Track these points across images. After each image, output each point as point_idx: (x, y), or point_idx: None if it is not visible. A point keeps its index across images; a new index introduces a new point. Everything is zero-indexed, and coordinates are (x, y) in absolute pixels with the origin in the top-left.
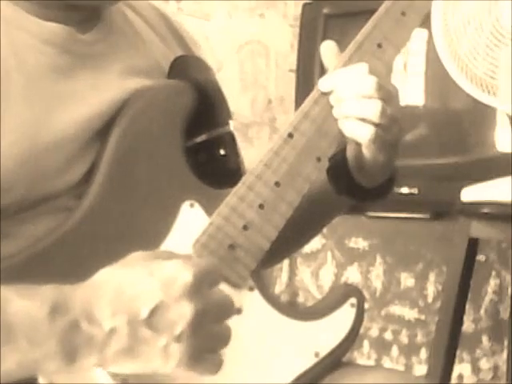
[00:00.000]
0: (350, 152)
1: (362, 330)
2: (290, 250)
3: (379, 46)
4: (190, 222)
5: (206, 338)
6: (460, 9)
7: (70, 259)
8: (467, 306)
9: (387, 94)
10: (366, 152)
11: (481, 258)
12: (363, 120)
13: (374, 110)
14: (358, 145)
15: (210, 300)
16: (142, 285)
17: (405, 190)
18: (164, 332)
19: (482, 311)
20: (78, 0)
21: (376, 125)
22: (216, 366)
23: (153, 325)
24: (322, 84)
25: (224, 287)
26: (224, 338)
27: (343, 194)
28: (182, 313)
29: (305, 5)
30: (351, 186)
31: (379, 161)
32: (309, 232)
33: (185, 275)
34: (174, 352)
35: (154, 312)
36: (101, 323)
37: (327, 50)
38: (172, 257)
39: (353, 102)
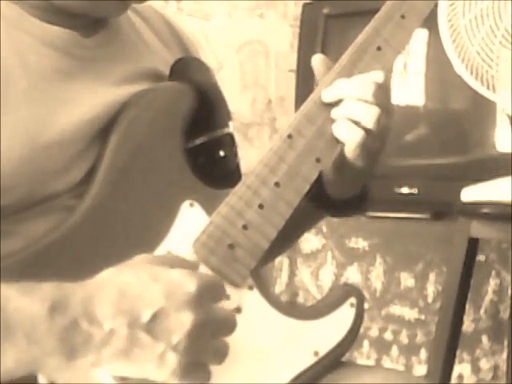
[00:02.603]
0: None
1: (361, 330)
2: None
3: (379, 48)
4: (190, 222)
5: (202, 352)
6: (473, 7)
7: (70, 258)
8: (467, 306)
9: (385, 103)
10: (347, 154)
11: (481, 258)
12: (356, 123)
13: (370, 115)
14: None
15: (210, 314)
16: (145, 289)
17: (405, 190)
18: (162, 339)
19: (482, 311)
20: (84, 10)
21: (367, 130)
22: (204, 379)
23: (152, 330)
24: (326, 95)
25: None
26: (219, 355)
27: (311, 204)
28: (182, 322)
29: (305, 5)
30: (321, 196)
31: (357, 167)
32: (277, 246)
33: (189, 285)
34: (169, 360)
35: (154, 317)
36: (101, 323)
37: (318, 63)
38: (178, 263)
39: (350, 104)
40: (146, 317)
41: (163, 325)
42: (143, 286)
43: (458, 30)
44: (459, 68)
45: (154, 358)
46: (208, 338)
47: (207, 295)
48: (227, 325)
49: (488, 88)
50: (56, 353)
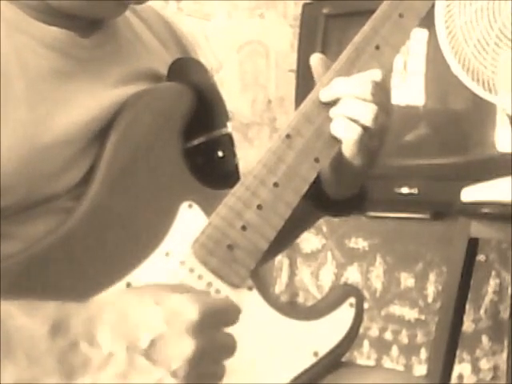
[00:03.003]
0: None
1: (361, 330)
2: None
3: (377, 47)
4: (189, 223)
5: (201, 377)
6: (468, 8)
7: (69, 260)
8: (467, 306)
9: (384, 102)
10: (345, 152)
11: (481, 258)
12: (354, 121)
13: (368, 112)
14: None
15: (212, 341)
16: (146, 313)
17: (405, 190)
18: (161, 365)
19: (482, 311)
20: (82, 11)
21: (365, 128)
22: None
23: (151, 355)
24: (323, 94)
25: (223, 288)
26: (218, 378)
27: (310, 203)
28: (182, 349)
29: (305, 5)
30: (319, 195)
31: (355, 165)
32: (275, 246)
33: (191, 311)
34: None
35: (153, 343)
36: (100, 346)
37: (317, 62)
38: (186, 291)
39: (348, 103)
40: (144, 341)
41: (163, 350)
42: (144, 310)
43: (454, 32)
44: (456, 69)
45: (152, 382)
46: (208, 364)
47: (210, 322)
48: (227, 349)
49: (484, 88)
50: (55, 373)
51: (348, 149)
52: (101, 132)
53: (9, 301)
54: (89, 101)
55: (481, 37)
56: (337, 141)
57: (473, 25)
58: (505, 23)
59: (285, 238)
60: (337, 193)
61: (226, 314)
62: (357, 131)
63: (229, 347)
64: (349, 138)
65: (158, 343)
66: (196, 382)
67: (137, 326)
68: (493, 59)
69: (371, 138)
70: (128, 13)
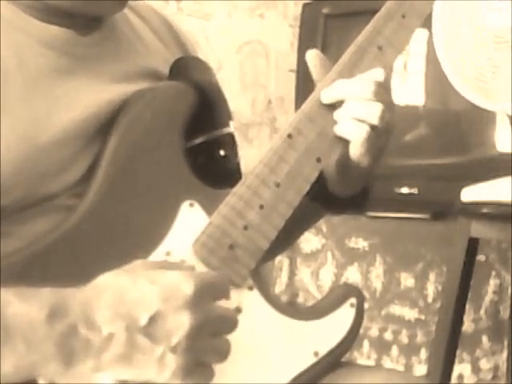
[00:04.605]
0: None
1: (361, 330)
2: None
3: (379, 48)
4: (190, 222)
5: (203, 351)
6: (453, 11)
7: (69, 258)
8: (467, 306)
9: (388, 101)
10: (353, 153)
11: (481, 258)
12: (361, 121)
13: (374, 111)
14: (344, 149)
15: (209, 313)
16: (142, 292)
17: (405, 190)
18: (161, 341)
19: (482, 311)
20: (80, 9)
21: (372, 127)
22: (207, 379)
23: (150, 333)
24: (325, 96)
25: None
26: (221, 353)
27: (315, 201)
28: (180, 323)
29: (305, 5)
30: (321, 194)
31: (362, 165)
32: (276, 245)
33: (186, 286)
34: (169, 362)
35: (152, 320)
36: (99, 328)
37: (313, 59)
38: (175, 267)
39: (353, 104)
40: (143, 320)
41: (161, 327)
42: (140, 289)
43: (445, 34)
44: (448, 72)
45: (153, 360)
46: (208, 338)
47: (205, 295)
48: (228, 323)
49: (477, 93)
50: (54, 358)
51: (356, 149)
52: (100, 130)
53: (5, 287)
54: (88, 99)
55: (464, 40)
56: (340, 141)
57: (458, 28)
58: (479, 27)
59: (285, 238)
60: (341, 191)
61: (217, 286)
62: (365, 131)
63: (228, 320)
64: (357, 138)
65: (156, 321)
66: (198, 357)
67: (134, 306)
68: (475, 62)
69: (378, 137)
70: (127, 11)
